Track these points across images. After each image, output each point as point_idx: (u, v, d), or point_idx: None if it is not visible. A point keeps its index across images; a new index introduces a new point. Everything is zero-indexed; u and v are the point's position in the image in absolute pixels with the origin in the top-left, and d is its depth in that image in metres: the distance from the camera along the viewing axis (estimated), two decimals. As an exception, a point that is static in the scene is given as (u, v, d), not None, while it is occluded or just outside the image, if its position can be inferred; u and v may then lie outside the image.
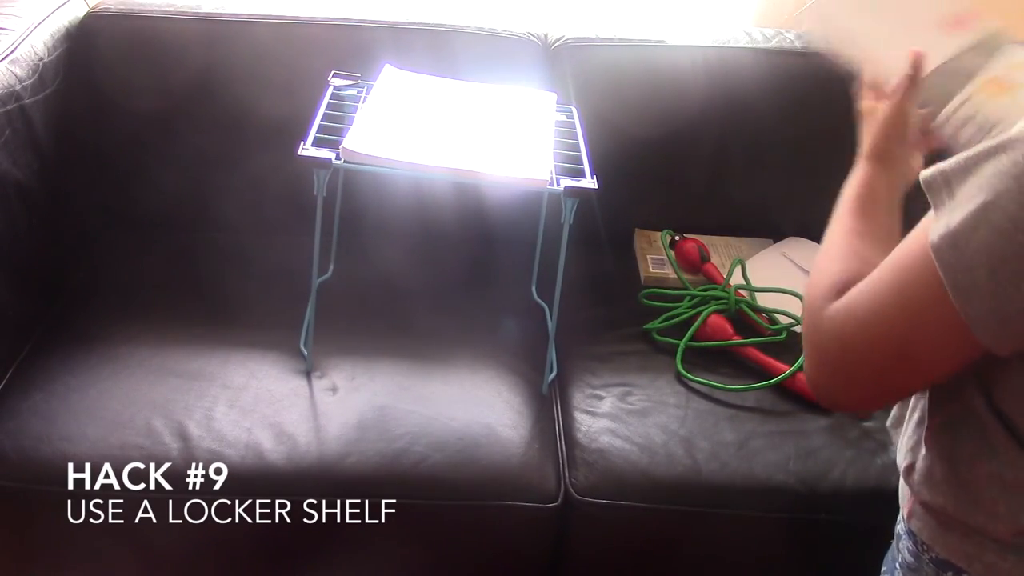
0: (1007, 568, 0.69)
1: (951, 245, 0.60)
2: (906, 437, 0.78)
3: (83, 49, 1.36)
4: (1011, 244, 0.57)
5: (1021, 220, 0.57)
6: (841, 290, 0.69)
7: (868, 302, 0.67)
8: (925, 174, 0.63)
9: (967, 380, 0.69)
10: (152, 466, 1.02)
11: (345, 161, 1.00)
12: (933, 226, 0.61)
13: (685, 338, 1.25)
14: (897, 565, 0.77)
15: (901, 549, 0.77)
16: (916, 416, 0.76)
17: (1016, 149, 0.58)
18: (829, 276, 0.72)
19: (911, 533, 0.75)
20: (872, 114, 0.91)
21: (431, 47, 1.39)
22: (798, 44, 1.45)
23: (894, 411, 0.82)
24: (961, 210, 0.60)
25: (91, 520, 1.04)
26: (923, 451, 0.74)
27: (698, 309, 1.29)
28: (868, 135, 0.90)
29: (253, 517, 1.05)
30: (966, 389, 0.70)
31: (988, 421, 0.68)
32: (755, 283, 1.36)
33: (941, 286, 0.60)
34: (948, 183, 0.61)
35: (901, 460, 0.78)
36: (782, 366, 1.20)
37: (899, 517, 0.78)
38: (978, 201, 0.59)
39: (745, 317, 1.30)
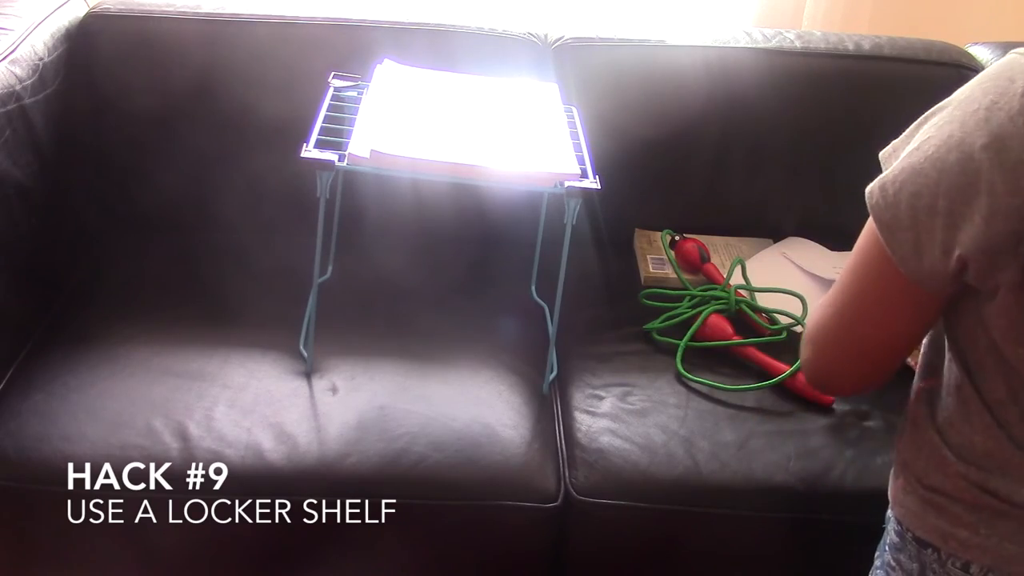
0: (978, 542, 0.73)
1: (880, 188, 0.69)
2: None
3: (83, 49, 1.36)
4: (923, 178, 0.66)
5: (936, 159, 0.65)
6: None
7: (832, 292, 0.78)
8: (883, 151, 0.73)
9: (949, 347, 0.76)
10: (152, 466, 1.02)
11: (373, 162, 0.99)
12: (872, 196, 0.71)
13: (685, 338, 1.25)
14: (887, 547, 0.81)
15: (888, 531, 0.82)
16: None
17: (945, 108, 0.68)
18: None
19: (897, 514, 0.80)
20: None
21: (431, 47, 1.39)
22: (798, 44, 1.45)
23: None
24: (895, 162, 0.69)
25: (91, 520, 1.04)
26: (907, 412, 0.82)
27: (698, 309, 1.29)
28: None
29: (253, 517, 1.05)
30: (947, 361, 0.76)
31: (966, 391, 0.73)
32: (755, 283, 1.36)
33: (879, 239, 0.70)
34: (895, 149, 0.72)
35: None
36: (782, 366, 1.20)
37: (888, 510, 0.82)
38: (907, 152, 0.68)
39: (745, 317, 1.30)
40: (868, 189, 0.70)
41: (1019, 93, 0.61)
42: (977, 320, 0.70)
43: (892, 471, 0.83)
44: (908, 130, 0.72)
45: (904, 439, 0.81)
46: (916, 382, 0.82)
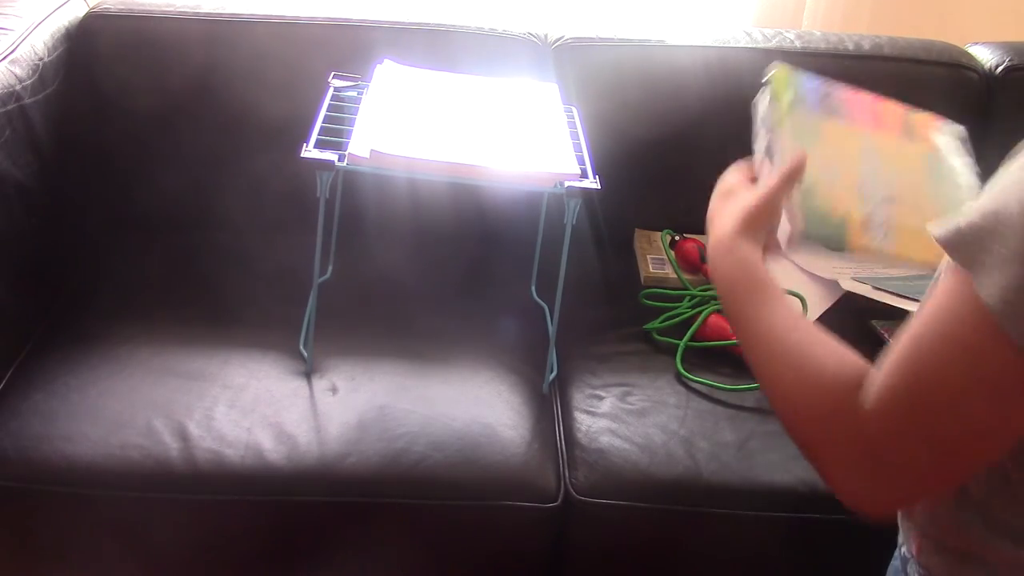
0: None
1: (1016, 310, 0.54)
2: None
3: (83, 49, 1.36)
4: None
5: None
6: (856, 382, 0.62)
7: (924, 380, 0.58)
8: (939, 234, 0.58)
9: None
10: (152, 466, 1.02)
11: (373, 162, 1.00)
12: (980, 288, 0.55)
13: (685, 338, 1.25)
14: None
15: (910, 572, 0.74)
16: None
17: None
18: (821, 372, 0.65)
19: (922, 566, 0.72)
20: (733, 193, 0.87)
21: (431, 47, 1.39)
22: (798, 44, 1.45)
23: None
24: (1010, 267, 0.54)
25: (91, 520, 1.04)
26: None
27: (698, 309, 1.29)
28: (736, 215, 0.84)
29: (253, 517, 1.05)
30: None
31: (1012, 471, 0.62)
32: (755, 283, 1.36)
33: (1013, 349, 0.54)
34: (975, 241, 0.56)
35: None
36: (782, 366, 1.20)
37: (901, 543, 0.75)
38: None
39: (745, 317, 1.30)
40: (998, 307, 0.54)
41: None
42: None
43: (902, 520, 0.74)
44: (980, 209, 0.56)
45: (923, 509, 0.70)
46: None
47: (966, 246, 0.56)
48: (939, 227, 0.58)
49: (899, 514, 0.74)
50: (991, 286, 0.55)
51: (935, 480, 0.61)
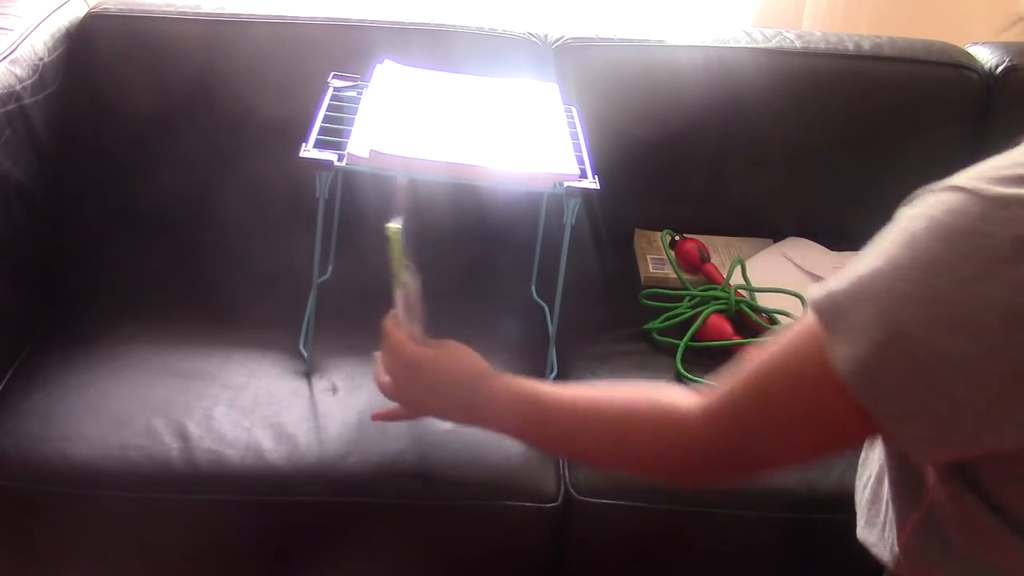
0: None
1: (866, 379, 0.57)
2: (871, 530, 0.78)
3: (83, 49, 1.36)
4: (929, 373, 0.54)
5: (930, 347, 0.54)
6: (665, 403, 0.72)
7: (758, 405, 0.65)
8: (815, 296, 0.61)
9: (945, 476, 0.65)
10: (152, 466, 1.02)
11: (373, 162, 1.00)
12: (833, 353, 0.58)
13: (685, 338, 1.25)
14: None
15: None
16: (885, 517, 0.75)
17: (895, 259, 0.55)
18: (626, 408, 0.75)
19: None
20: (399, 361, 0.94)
21: (431, 47, 1.39)
22: (798, 44, 1.45)
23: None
24: (866, 338, 0.56)
25: (91, 520, 1.04)
26: (905, 544, 0.72)
27: (698, 309, 1.29)
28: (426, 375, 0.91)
29: (253, 517, 1.05)
30: (948, 484, 0.65)
31: (989, 523, 0.63)
32: (755, 283, 1.36)
33: (852, 403, 0.58)
34: (838, 305, 0.59)
35: (880, 552, 0.77)
36: (782, 366, 1.20)
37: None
38: (882, 330, 0.56)
39: (745, 317, 1.30)
40: (849, 375, 0.57)
41: (1014, 262, 0.51)
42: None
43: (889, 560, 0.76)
44: (849, 276, 0.59)
45: (911, 569, 0.72)
46: (906, 516, 0.71)
47: (829, 307, 0.60)
48: (816, 290, 0.62)
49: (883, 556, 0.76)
50: (847, 355, 0.58)
51: (759, 475, 0.72)
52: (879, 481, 0.77)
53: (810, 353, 0.61)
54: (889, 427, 0.57)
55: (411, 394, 0.93)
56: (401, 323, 0.94)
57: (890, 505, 0.73)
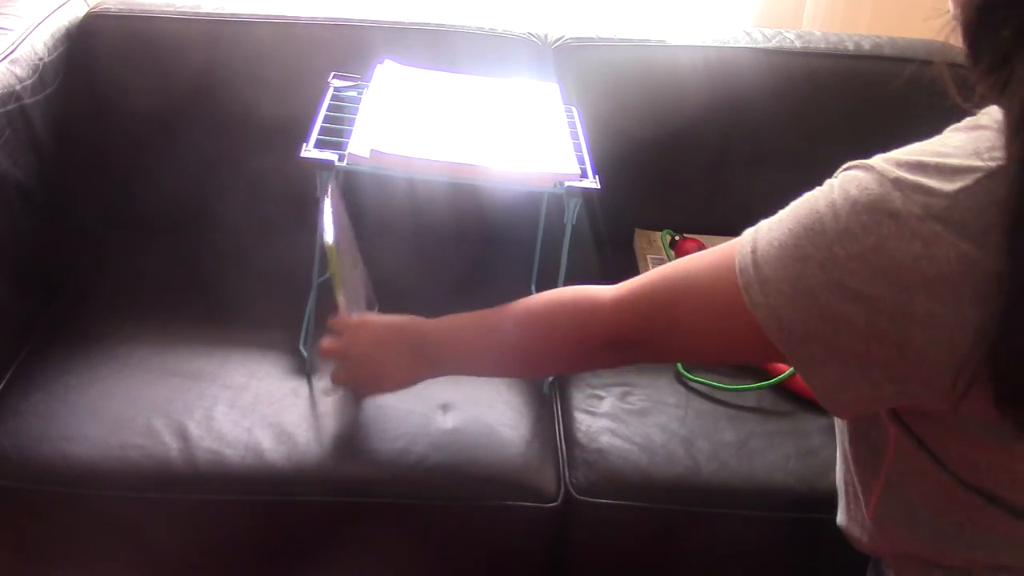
0: None
1: (776, 326, 0.65)
2: (847, 513, 0.81)
3: (83, 49, 1.36)
4: (831, 327, 0.62)
5: (831, 306, 0.61)
6: (589, 292, 0.84)
7: (672, 312, 0.75)
8: (743, 243, 0.71)
9: (894, 438, 0.70)
10: (152, 466, 1.02)
11: (373, 162, 1.00)
12: (748, 295, 0.66)
13: (685, 338, 1.25)
14: None
15: (884, 570, 0.77)
16: (854, 495, 0.78)
17: (809, 220, 0.64)
18: (541, 302, 0.89)
19: (891, 567, 0.76)
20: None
21: (431, 47, 1.39)
22: (798, 44, 1.45)
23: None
24: (775, 290, 0.65)
25: (91, 520, 1.04)
26: (874, 510, 0.75)
27: (698, 309, 1.29)
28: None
29: (253, 517, 1.05)
30: (892, 446, 0.70)
31: (935, 475, 0.68)
32: (755, 283, 1.36)
33: (750, 319, 0.66)
34: (755, 255, 0.68)
35: (855, 531, 0.79)
36: (782, 366, 1.20)
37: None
38: (789, 285, 0.64)
39: (745, 317, 1.30)
40: (762, 319, 0.65)
41: (908, 235, 0.58)
42: (947, 431, 0.66)
43: (870, 536, 0.78)
44: (776, 225, 0.69)
45: (884, 533, 0.75)
46: (869, 480, 0.75)
47: (752, 259, 0.68)
48: (745, 236, 0.71)
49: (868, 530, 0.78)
50: (759, 301, 0.66)
51: (659, 359, 0.87)
52: (844, 462, 0.79)
53: (725, 283, 0.69)
54: (801, 371, 0.65)
55: (359, 354, 1.00)
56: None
57: (855, 479, 0.76)
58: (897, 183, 0.59)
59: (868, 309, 0.59)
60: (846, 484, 0.80)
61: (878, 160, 0.62)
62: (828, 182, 0.66)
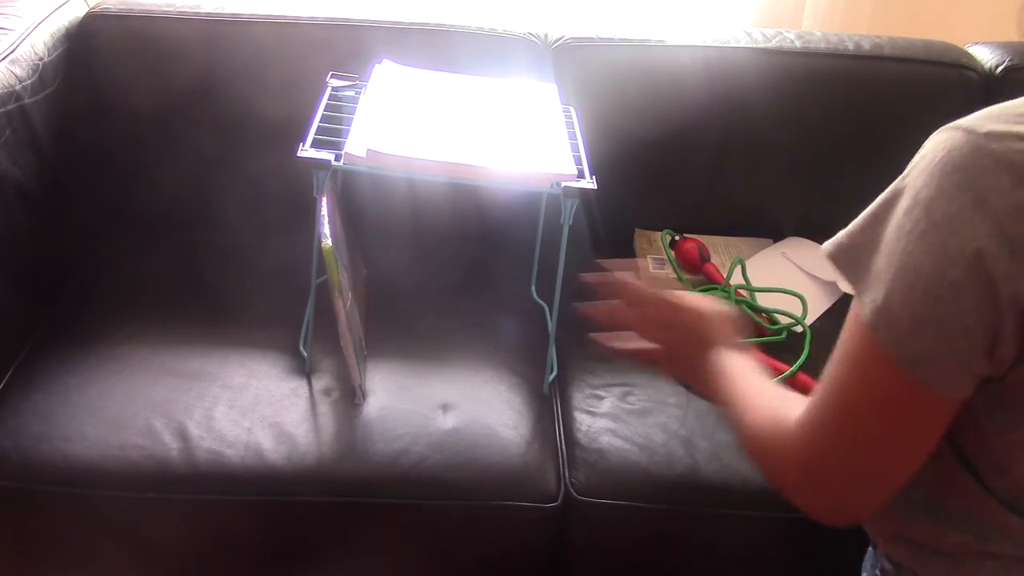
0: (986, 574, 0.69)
1: (887, 322, 0.59)
2: None
3: (83, 49, 1.36)
4: (942, 304, 0.57)
5: (942, 277, 0.57)
6: (792, 415, 0.68)
7: (831, 402, 0.64)
8: (827, 249, 0.64)
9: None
10: (152, 466, 1.02)
11: (370, 162, 1.00)
12: (860, 305, 0.61)
13: (685, 338, 1.25)
14: (878, 572, 0.77)
15: (880, 556, 0.77)
16: None
17: (913, 207, 0.59)
18: (765, 414, 0.72)
19: (887, 556, 0.76)
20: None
21: (430, 47, 1.39)
22: (798, 44, 1.45)
23: None
24: (881, 282, 0.60)
25: (91, 520, 1.04)
26: None
27: (698, 309, 1.29)
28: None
29: (253, 517, 1.05)
30: None
31: (945, 460, 0.67)
32: (755, 283, 1.36)
33: (893, 362, 0.59)
34: (856, 257, 0.63)
35: None
36: (782, 366, 1.20)
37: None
38: (892, 270, 0.59)
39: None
40: (866, 318, 0.60)
41: (1007, 188, 0.56)
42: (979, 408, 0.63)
43: (869, 528, 0.78)
44: (860, 224, 0.63)
45: (874, 517, 0.74)
46: None
47: (847, 260, 0.63)
48: (828, 244, 0.64)
49: None
50: (867, 303, 0.60)
51: (867, 491, 0.66)
52: None
53: (852, 317, 0.63)
54: (914, 372, 0.59)
55: (660, 332, 0.89)
56: (341, 335, 1.01)
57: None
58: (990, 136, 0.57)
59: (973, 272, 0.56)
60: None
61: (961, 122, 0.59)
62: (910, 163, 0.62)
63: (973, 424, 0.64)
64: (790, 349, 1.24)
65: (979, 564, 0.69)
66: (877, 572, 0.78)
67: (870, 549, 0.81)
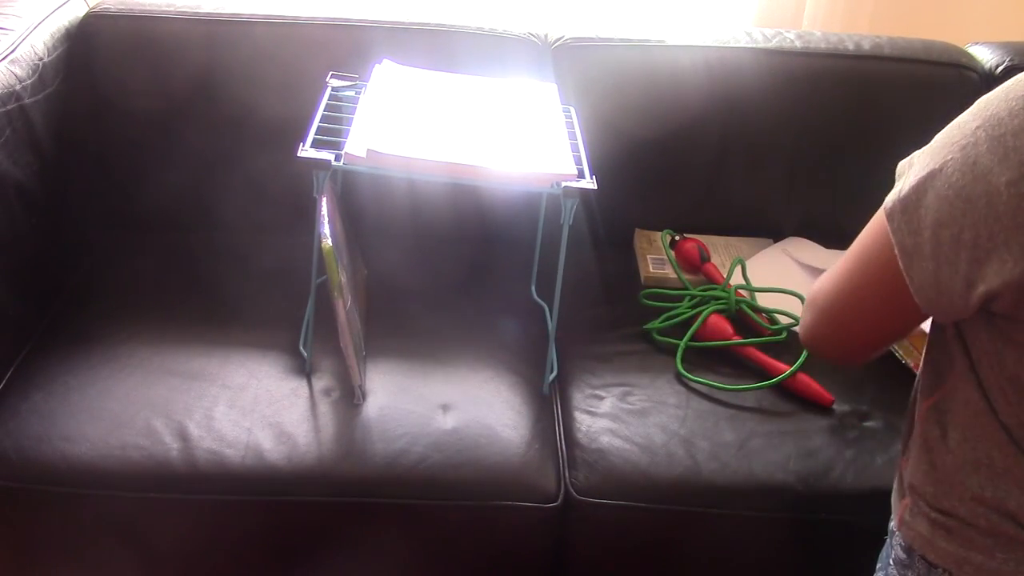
0: (995, 567, 0.70)
1: (902, 210, 0.66)
2: (904, 428, 0.82)
3: (83, 49, 1.36)
4: (948, 207, 0.63)
5: (961, 188, 0.62)
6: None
7: (837, 267, 0.77)
8: (901, 163, 0.70)
9: (957, 363, 0.73)
10: (152, 466, 1.02)
11: (370, 162, 1.00)
12: (890, 195, 0.68)
13: (685, 338, 1.25)
14: (891, 561, 0.78)
15: (894, 545, 0.78)
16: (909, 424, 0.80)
17: (969, 123, 0.64)
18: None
19: (903, 537, 0.77)
20: None
21: (430, 47, 1.39)
22: (798, 44, 1.45)
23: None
24: (913, 177, 0.66)
25: (91, 520, 1.04)
26: (914, 432, 0.78)
27: (698, 309, 1.29)
28: None
29: (253, 517, 1.05)
30: (955, 371, 0.73)
31: (976, 404, 0.71)
32: (755, 283, 1.36)
33: (891, 248, 0.67)
34: (911, 161, 0.68)
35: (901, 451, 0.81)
36: (782, 366, 1.20)
37: (892, 516, 0.79)
38: (928, 169, 0.65)
39: (745, 317, 1.30)
40: (889, 208, 0.67)
41: None
42: (1003, 345, 0.67)
43: (895, 489, 0.81)
44: (932, 145, 0.68)
45: (911, 461, 0.78)
46: (921, 399, 0.79)
47: (904, 166, 0.69)
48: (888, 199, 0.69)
49: (894, 484, 0.82)
50: (892, 194, 0.67)
51: (860, 345, 0.80)
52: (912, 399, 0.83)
53: (878, 213, 0.70)
54: (903, 262, 0.66)
55: None
56: (341, 335, 1.03)
57: (914, 409, 0.81)
58: None
59: (992, 190, 0.60)
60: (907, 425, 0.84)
61: None
62: None
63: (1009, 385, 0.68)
64: (790, 349, 1.25)
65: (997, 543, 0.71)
66: (890, 562, 0.78)
67: (887, 541, 0.81)
